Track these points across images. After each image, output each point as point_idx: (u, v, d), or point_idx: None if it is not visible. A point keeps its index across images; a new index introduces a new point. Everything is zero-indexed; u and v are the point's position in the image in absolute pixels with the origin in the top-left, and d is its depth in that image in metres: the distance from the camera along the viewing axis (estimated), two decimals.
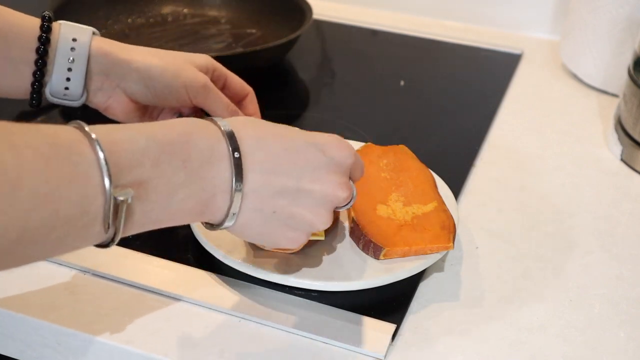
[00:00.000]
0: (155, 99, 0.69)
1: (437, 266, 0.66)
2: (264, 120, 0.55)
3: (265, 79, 0.95)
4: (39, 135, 0.43)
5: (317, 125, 0.88)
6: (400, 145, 0.75)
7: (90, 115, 0.69)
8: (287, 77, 0.99)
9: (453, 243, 0.62)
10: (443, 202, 0.67)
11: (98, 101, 0.69)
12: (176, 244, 0.66)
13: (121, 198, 0.44)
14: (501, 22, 1.13)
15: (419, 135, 0.86)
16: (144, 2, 1.06)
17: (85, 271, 0.63)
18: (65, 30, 0.65)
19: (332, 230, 0.65)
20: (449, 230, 0.63)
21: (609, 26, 0.92)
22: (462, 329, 0.60)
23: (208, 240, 0.62)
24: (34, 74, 0.65)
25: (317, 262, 0.61)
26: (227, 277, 0.62)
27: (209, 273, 0.62)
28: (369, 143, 0.75)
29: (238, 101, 0.75)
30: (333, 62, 1.05)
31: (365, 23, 1.13)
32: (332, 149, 0.54)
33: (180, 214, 0.50)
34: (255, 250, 0.61)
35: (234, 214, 0.51)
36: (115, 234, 0.46)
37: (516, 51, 1.07)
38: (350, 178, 0.56)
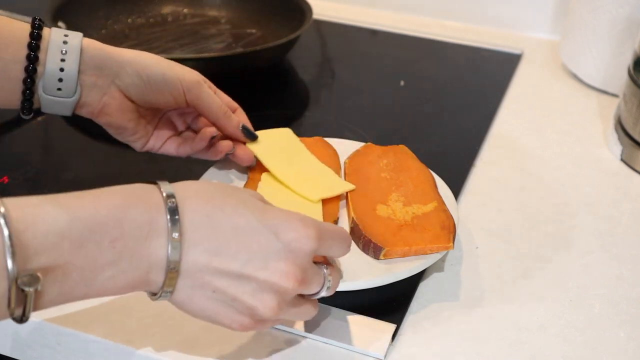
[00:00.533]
0: (151, 94, 0.67)
1: (437, 266, 0.66)
2: (220, 187, 0.51)
3: (265, 79, 0.96)
4: None
5: (317, 125, 0.88)
6: (400, 145, 0.75)
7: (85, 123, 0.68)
8: (287, 77, 0.99)
9: (453, 243, 0.62)
10: (443, 202, 0.67)
11: (92, 100, 0.66)
12: None
13: (26, 289, 0.41)
14: (501, 22, 1.13)
15: (419, 135, 0.86)
16: (144, 2, 1.06)
17: None
18: (56, 32, 0.64)
19: None
20: (449, 230, 0.63)
21: (609, 26, 0.92)
22: (462, 329, 0.60)
23: None
24: (25, 80, 0.63)
25: None
26: None
27: None
28: (369, 143, 0.75)
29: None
30: (333, 62, 1.05)
31: (365, 23, 1.14)
32: (289, 233, 0.49)
33: (111, 289, 0.47)
34: None
35: (168, 291, 0.48)
36: (24, 314, 0.43)
37: (516, 51, 1.07)
38: (324, 261, 0.54)
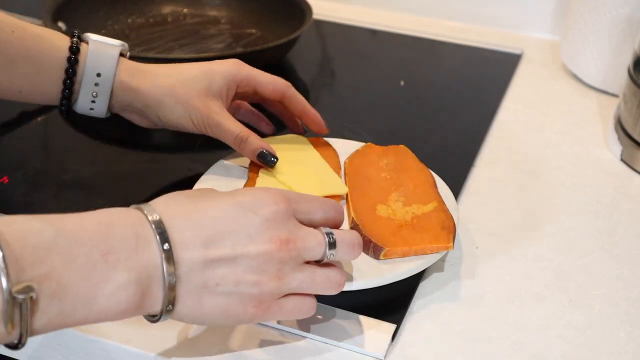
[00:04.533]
0: (171, 127, 0.71)
1: (437, 266, 0.66)
2: (182, 193, 0.52)
3: None
4: None
5: None
6: (400, 145, 0.75)
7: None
8: (287, 77, 0.98)
9: (453, 243, 0.62)
10: (443, 202, 0.67)
11: (124, 116, 0.72)
12: None
13: (21, 296, 0.41)
14: (501, 22, 1.13)
15: (419, 135, 0.86)
16: (144, 2, 1.06)
17: None
18: (91, 61, 0.67)
19: None
20: (449, 230, 0.63)
21: (609, 26, 0.92)
22: (462, 329, 0.60)
23: None
24: (61, 99, 0.68)
25: None
26: None
27: None
28: (369, 143, 0.75)
29: (278, 101, 0.74)
30: (333, 62, 1.05)
31: (365, 23, 1.14)
32: (261, 205, 0.51)
33: (113, 311, 0.47)
34: None
35: (170, 301, 0.48)
36: (22, 335, 0.43)
37: (516, 51, 1.07)
38: (314, 223, 0.54)
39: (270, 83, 0.72)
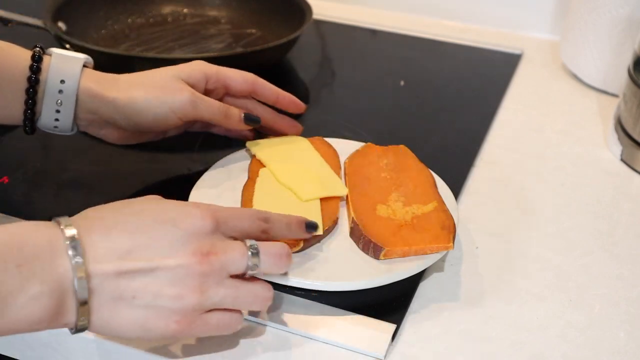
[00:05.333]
0: (147, 128, 0.68)
1: (437, 266, 0.66)
2: (110, 205, 0.52)
3: (265, 79, 0.95)
4: None
5: (317, 125, 0.88)
6: (400, 145, 0.75)
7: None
8: (287, 77, 0.99)
9: (453, 243, 0.62)
10: (443, 202, 0.67)
11: (91, 132, 0.70)
12: None
13: None
14: (501, 22, 1.13)
15: (419, 135, 0.86)
16: (144, 2, 1.06)
17: None
18: (54, 69, 0.65)
19: (331, 230, 0.65)
20: (449, 230, 0.63)
21: (609, 26, 0.92)
22: (462, 329, 0.60)
23: None
24: (25, 112, 0.65)
25: (317, 262, 0.61)
26: None
27: None
28: (369, 143, 0.75)
29: (247, 95, 0.74)
30: (333, 62, 1.05)
31: (365, 23, 1.14)
32: (186, 219, 0.51)
33: (25, 321, 0.46)
34: None
35: (84, 314, 0.48)
36: None
37: (516, 51, 1.07)
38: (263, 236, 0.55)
39: (240, 75, 0.72)
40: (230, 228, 0.54)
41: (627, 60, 0.85)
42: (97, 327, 0.49)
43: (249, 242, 0.53)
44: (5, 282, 0.45)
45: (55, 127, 0.67)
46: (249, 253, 0.52)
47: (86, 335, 0.57)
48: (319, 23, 1.12)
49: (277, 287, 0.61)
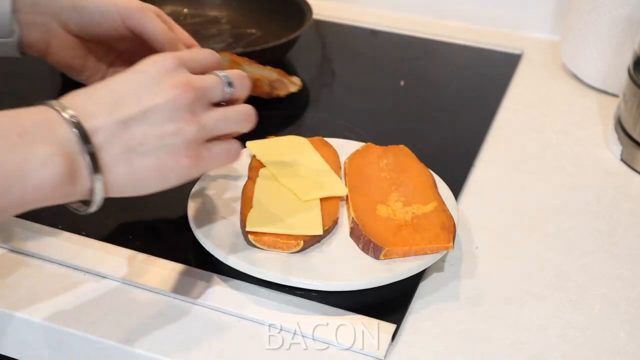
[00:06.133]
0: (91, 26, 0.67)
1: (437, 266, 0.66)
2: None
3: None
4: None
5: (317, 125, 0.88)
6: (400, 145, 0.75)
7: None
8: None
9: (453, 243, 0.62)
10: (443, 202, 0.67)
11: (36, 39, 0.67)
12: (176, 244, 0.66)
13: None
14: (501, 22, 1.13)
15: (419, 135, 0.86)
16: (143, 2, 1.06)
17: (85, 271, 0.63)
18: None
19: (331, 230, 0.65)
20: (449, 230, 0.63)
21: (609, 26, 0.92)
22: (462, 329, 0.60)
23: (208, 240, 0.62)
24: None
25: (317, 262, 0.61)
26: (227, 277, 0.62)
27: (209, 273, 0.62)
28: (369, 143, 0.75)
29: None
30: (333, 62, 1.05)
31: (365, 23, 1.14)
32: (152, 65, 0.54)
33: (48, 182, 0.48)
34: (255, 251, 0.61)
35: (98, 171, 0.50)
36: None
37: (516, 51, 1.07)
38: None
39: (185, 34, 0.73)
40: (197, 63, 0.57)
41: (627, 60, 0.85)
42: (116, 185, 0.51)
43: (220, 73, 0.57)
44: (13, 151, 0.47)
45: None
46: (223, 80, 0.56)
47: (86, 335, 0.57)
48: (319, 23, 1.12)
49: (276, 287, 0.61)
